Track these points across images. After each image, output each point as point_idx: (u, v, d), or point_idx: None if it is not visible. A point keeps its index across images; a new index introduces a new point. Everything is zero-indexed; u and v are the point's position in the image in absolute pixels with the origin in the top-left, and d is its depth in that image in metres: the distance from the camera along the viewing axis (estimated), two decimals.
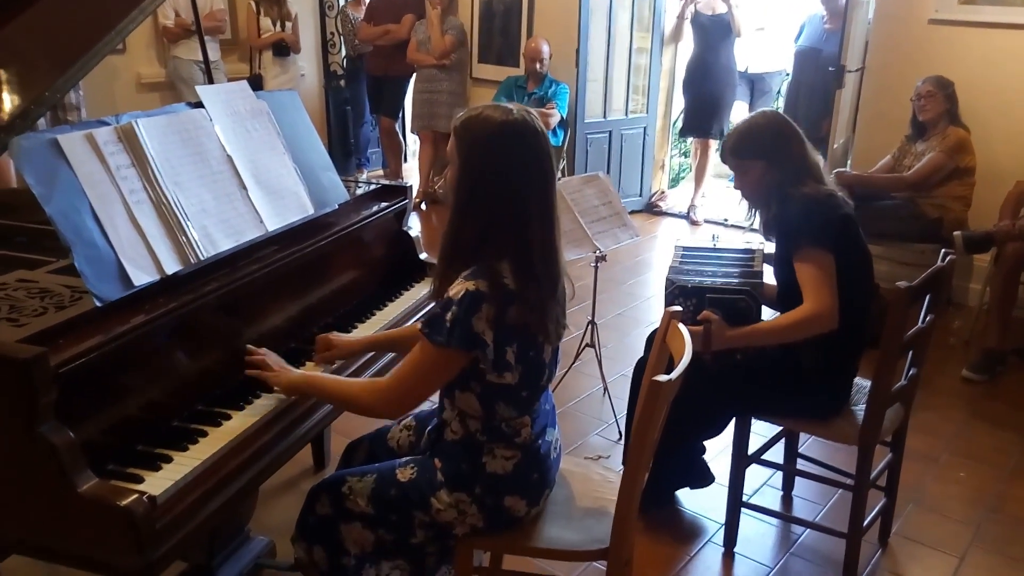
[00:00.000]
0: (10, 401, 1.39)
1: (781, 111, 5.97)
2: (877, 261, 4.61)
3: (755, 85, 6.21)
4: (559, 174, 5.81)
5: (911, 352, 2.42)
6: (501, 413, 1.76)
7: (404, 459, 1.89)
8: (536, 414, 1.83)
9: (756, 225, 2.57)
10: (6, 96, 1.97)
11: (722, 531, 2.62)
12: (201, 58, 5.60)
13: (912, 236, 4.24)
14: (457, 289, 1.64)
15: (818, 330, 2.24)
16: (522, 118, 1.65)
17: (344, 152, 6.90)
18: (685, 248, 2.71)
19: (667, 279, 2.46)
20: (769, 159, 2.38)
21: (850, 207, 2.37)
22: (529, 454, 1.81)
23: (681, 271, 2.50)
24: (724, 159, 2.53)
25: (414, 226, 2.76)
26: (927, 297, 2.38)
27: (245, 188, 2.01)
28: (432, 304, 1.78)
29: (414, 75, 6.26)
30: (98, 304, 1.57)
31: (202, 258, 1.82)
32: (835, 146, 4.94)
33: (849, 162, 4.96)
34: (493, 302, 1.63)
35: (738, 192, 2.53)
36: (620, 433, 3.21)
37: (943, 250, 2.46)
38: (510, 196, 1.65)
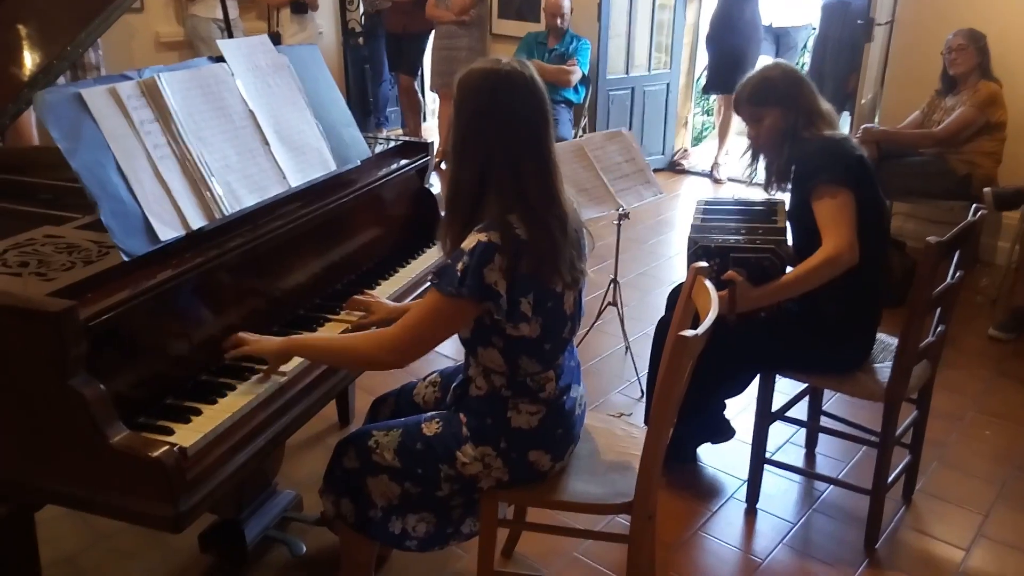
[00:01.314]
0: (42, 354, 1.41)
1: (807, 66, 5.87)
2: (904, 219, 4.57)
3: (780, 40, 6.08)
4: (579, 132, 5.74)
5: (939, 309, 2.40)
6: (525, 368, 1.76)
7: (429, 414, 1.90)
8: (560, 369, 1.83)
9: (759, 180, 2.58)
10: (28, 52, 1.96)
11: (744, 487, 2.63)
12: (219, 16, 5.63)
13: (940, 193, 4.17)
14: (470, 240, 1.64)
15: (840, 267, 2.22)
16: (511, 67, 1.67)
17: (363, 111, 6.85)
18: (707, 203, 2.67)
19: (689, 238, 2.42)
20: (784, 106, 2.39)
21: (864, 152, 2.38)
22: (554, 409, 1.82)
23: (703, 229, 2.46)
24: (738, 109, 2.51)
25: (434, 184, 2.75)
26: (956, 253, 2.35)
27: (267, 144, 2.00)
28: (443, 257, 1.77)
29: (433, 32, 6.19)
30: (125, 259, 1.58)
31: (226, 214, 1.82)
32: (863, 101, 4.84)
33: (877, 118, 4.86)
34: (505, 252, 1.63)
35: (747, 146, 2.54)
36: (642, 391, 3.21)
37: (974, 205, 2.42)
38: (499, 141, 1.66)
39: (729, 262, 2.32)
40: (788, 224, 2.48)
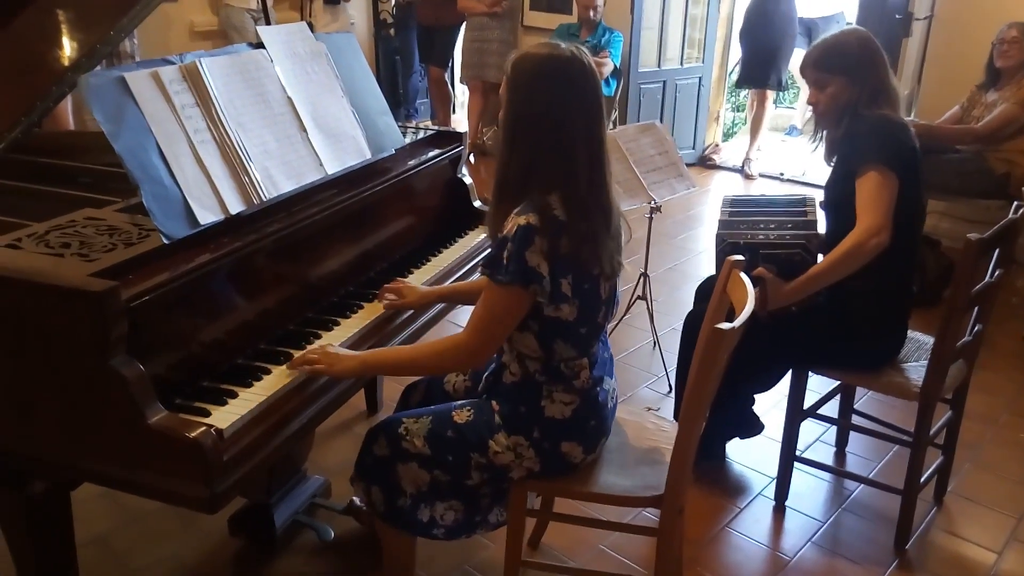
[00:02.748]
0: (83, 334, 1.43)
1: None
2: (939, 217, 4.50)
3: (811, 32, 6.01)
4: (610, 125, 5.72)
5: (977, 308, 2.36)
6: (560, 352, 1.76)
7: (460, 402, 1.90)
8: (595, 358, 1.82)
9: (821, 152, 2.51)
10: (72, 36, 1.98)
11: (773, 485, 2.61)
12: (253, 6, 5.66)
13: (977, 192, 4.10)
14: (510, 226, 1.65)
15: (871, 251, 2.18)
16: (570, 53, 1.66)
17: (393, 102, 6.86)
18: (734, 198, 2.63)
19: (717, 235, 2.39)
20: (851, 77, 2.31)
21: (918, 145, 2.32)
22: (588, 400, 1.81)
23: (731, 225, 2.43)
24: (804, 71, 2.44)
25: (466, 175, 2.75)
26: (996, 251, 2.31)
27: (305, 131, 2.01)
28: (490, 246, 1.78)
29: (464, 24, 6.19)
30: (165, 242, 1.59)
31: (264, 199, 1.83)
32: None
33: (913, 114, 4.80)
34: (545, 234, 1.63)
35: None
36: (670, 386, 3.19)
37: (1015, 203, 2.37)
38: (554, 128, 1.65)
39: (759, 258, 2.29)
40: (820, 214, 2.44)
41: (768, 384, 2.63)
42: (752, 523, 2.51)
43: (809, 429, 2.82)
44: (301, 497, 2.31)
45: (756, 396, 2.75)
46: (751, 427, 2.77)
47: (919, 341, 2.47)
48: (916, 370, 2.34)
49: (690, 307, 2.70)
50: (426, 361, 1.78)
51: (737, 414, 2.74)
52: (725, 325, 1.59)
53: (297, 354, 1.77)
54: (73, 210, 1.80)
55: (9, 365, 1.51)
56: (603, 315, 1.81)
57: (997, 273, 2.31)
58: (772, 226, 2.39)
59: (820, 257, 2.33)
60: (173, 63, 1.77)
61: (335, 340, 1.87)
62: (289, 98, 2.00)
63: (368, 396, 2.99)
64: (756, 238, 2.32)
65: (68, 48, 2.01)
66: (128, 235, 1.66)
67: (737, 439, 2.80)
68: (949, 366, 2.27)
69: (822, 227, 2.43)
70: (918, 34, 4.67)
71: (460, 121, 7.09)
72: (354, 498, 2.26)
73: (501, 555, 1.96)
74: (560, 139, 1.65)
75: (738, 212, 2.53)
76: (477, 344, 1.70)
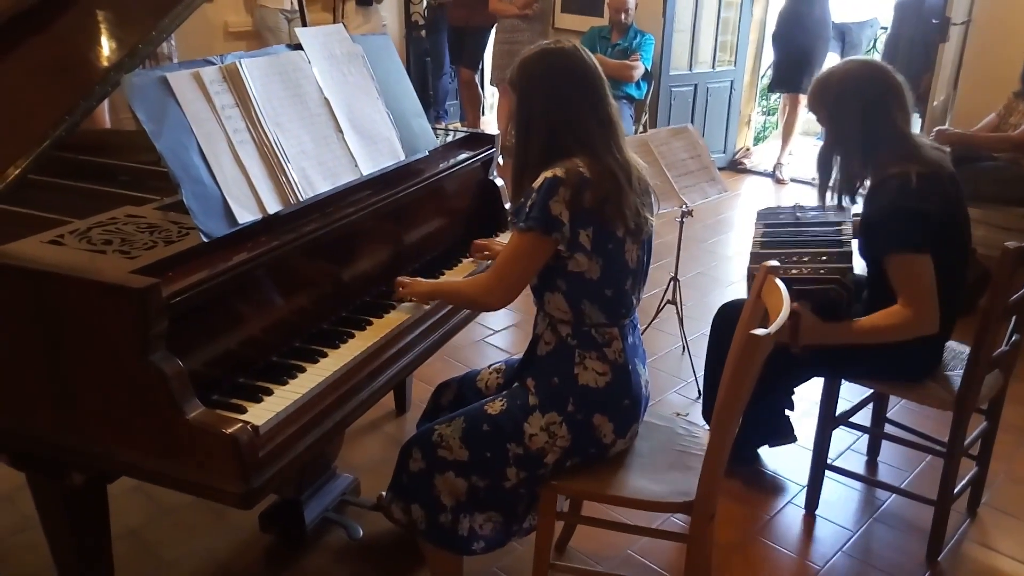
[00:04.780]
0: (124, 330, 1.45)
1: None
2: (974, 225, 4.40)
3: (844, 37, 5.95)
4: (640, 128, 5.70)
5: (1014, 318, 2.32)
6: (589, 315, 1.82)
7: (491, 397, 1.93)
8: (625, 332, 1.87)
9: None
10: (114, 36, 2.02)
11: (803, 493, 2.59)
12: (286, 6, 5.71)
13: (1013, 200, 4.03)
14: (539, 179, 1.76)
15: (919, 335, 2.14)
16: (558, 42, 1.85)
17: (423, 103, 6.87)
18: (766, 224, 2.54)
19: (748, 268, 2.32)
20: (830, 116, 2.24)
21: (946, 170, 2.21)
22: (621, 376, 1.85)
23: (763, 258, 2.34)
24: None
25: (497, 177, 2.75)
26: None
27: (341, 132, 2.03)
28: None
29: (495, 26, 6.20)
30: (205, 240, 1.61)
31: (301, 199, 1.85)
32: (935, 103, 4.71)
33: (949, 120, 4.73)
34: (569, 185, 1.73)
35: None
36: (699, 391, 3.18)
37: None
38: (564, 108, 1.79)
39: (792, 294, 2.24)
40: (855, 240, 2.37)
41: (796, 383, 2.60)
42: (782, 531, 2.49)
43: (841, 437, 2.80)
44: (331, 495, 2.32)
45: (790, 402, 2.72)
46: (783, 435, 2.74)
47: (955, 350, 2.43)
48: (952, 379, 2.31)
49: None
50: (463, 295, 1.95)
51: (770, 418, 2.71)
52: (760, 331, 1.58)
53: (331, 352, 1.80)
54: (113, 207, 1.83)
55: (51, 359, 1.54)
56: (631, 284, 1.85)
57: None
58: (806, 258, 2.30)
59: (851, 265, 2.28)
60: (214, 64, 1.79)
61: (369, 340, 1.89)
62: (326, 99, 2.02)
63: (397, 396, 3.01)
64: (789, 272, 2.22)
65: (110, 48, 2.04)
66: (168, 233, 1.68)
67: (767, 447, 2.78)
68: (985, 376, 2.24)
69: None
70: (955, 39, 4.60)
71: (489, 123, 7.10)
72: (382, 492, 2.27)
73: (529, 558, 1.97)
74: (570, 117, 1.79)
75: (770, 240, 2.45)
76: (498, 285, 1.83)
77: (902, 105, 2.22)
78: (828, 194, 2.33)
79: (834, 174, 2.30)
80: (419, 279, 2.06)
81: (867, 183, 2.30)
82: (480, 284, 1.89)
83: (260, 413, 1.56)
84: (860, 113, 2.19)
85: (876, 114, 2.19)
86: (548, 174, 1.74)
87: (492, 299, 1.87)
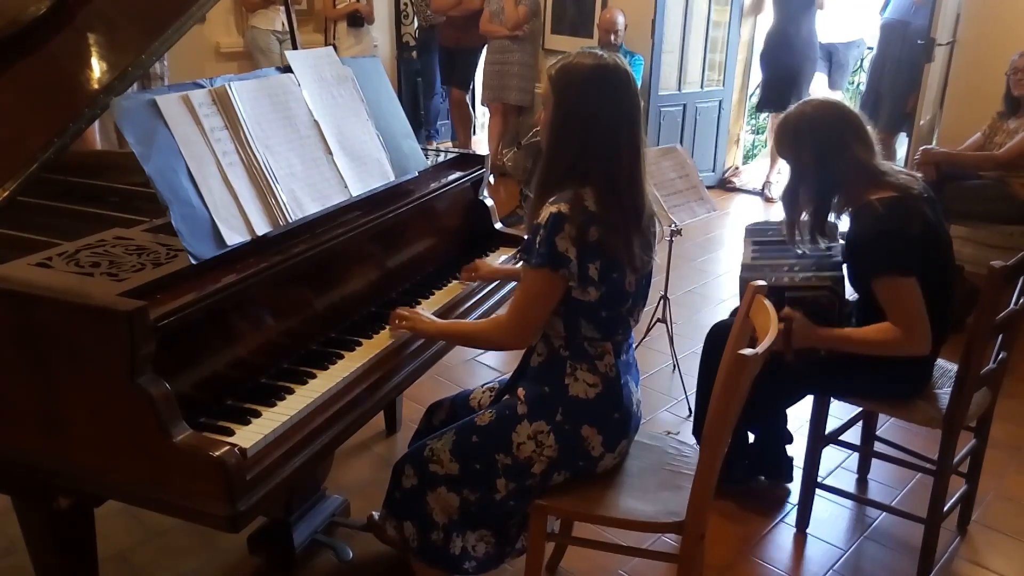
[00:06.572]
0: (111, 352, 1.44)
1: (864, 85, 5.79)
2: (962, 243, 4.46)
3: (832, 57, 6.01)
4: None
5: (1001, 336, 2.34)
6: (583, 331, 1.82)
7: (481, 410, 1.93)
8: (618, 348, 1.87)
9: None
10: (105, 59, 2.02)
11: (795, 511, 2.59)
12: (278, 28, 5.74)
13: (1000, 218, 4.07)
14: (544, 214, 1.75)
15: (911, 355, 2.17)
16: (613, 62, 1.78)
17: (414, 123, 6.91)
18: (755, 241, 2.58)
19: (740, 278, 2.36)
20: (792, 158, 2.29)
21: (923, 193, 2.24)
22: (612, 389, 1.85)
23: (755, 268, 2.39)
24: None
25: (487, 197, 2.76)
26: (1021, 279, 2.29)
27: (331, 153, 2.03)
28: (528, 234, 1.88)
29: (485, 47, 6.24)
30: (193, 262, 1.62)
31: (290, 220, 1.85)
32: (921, 123, 4.76)
33: (935, 139, 4.78)
34: (574, 222, 1.72)
35: None
36: (690, 410, 3.18)
37: None
38: (602, 129, 1.76)
39: (784, 302, 2.25)
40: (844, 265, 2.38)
41: (789, 404, 2.61)
42: (773, 550, 2.49)
43: (830, 455, 2.80)
44: (320, 516, 2.31)
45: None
46: (779, 475, 2.74)
47: (943, 368, 2.45)
48: (941, 397, 2.32)
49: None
50: (476, 336, 1.95)
51: (767, 450, 2.72)
52: (748, 351, 1.59)
53: (320, 374, 1.80)
54: (103, 229, 1.82)
55: (38, 381, 1.53)
56: (628, 308, 1.85)
57: (1022, 301, 2.29)
58: (796, 268, 2.34)
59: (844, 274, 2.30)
60: (203, 87, 1.80)
61: (359, 360, 1.88)
62: (315, 121, 2.03)
63: (387, 416, 3.00)
64: (781, 281, 2.28)
65: (101, 70, 2.04)
66: (156, 255, 1.68)
67: (762, 478, 2.76)
68: (973, 394, 2.25)
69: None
70: (940, 59, 4.66)
71: (480, 142, 7.14)
72: (373, 513, 2.26)
73: None
74: (606, 139, 1.76)
75: (760, 253, 2.49)
76: (516, 324, 1.82)
77: (860, 137, 2.24)
78: (796, 232, 2.35)
79: (803, 215, 2.33)
80: (421, 315, 1.99)
81: (838, 220, 2.35)
82: (497, 325, 1.88)
83: (248, 435, 1.56)
84: (818, 155, 2.23)
85: (834, 153, 2.21)
86: (553, 209, 1.72)
87: (510, 339, 1.85)
